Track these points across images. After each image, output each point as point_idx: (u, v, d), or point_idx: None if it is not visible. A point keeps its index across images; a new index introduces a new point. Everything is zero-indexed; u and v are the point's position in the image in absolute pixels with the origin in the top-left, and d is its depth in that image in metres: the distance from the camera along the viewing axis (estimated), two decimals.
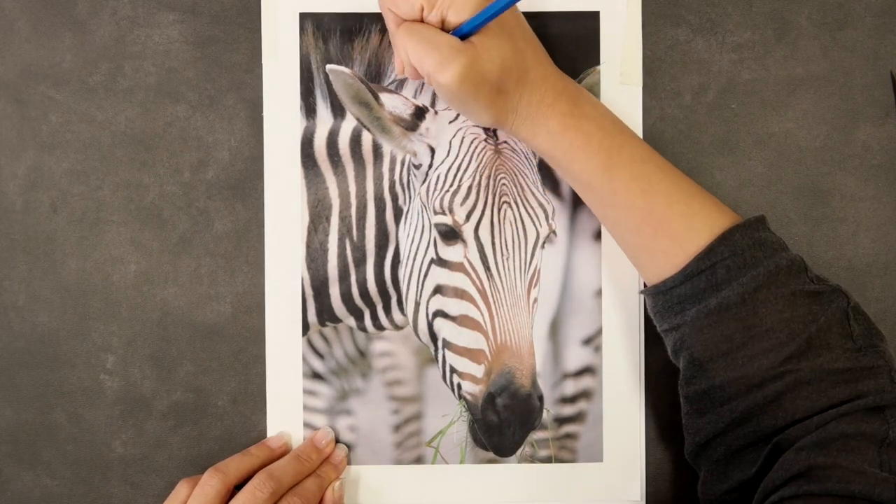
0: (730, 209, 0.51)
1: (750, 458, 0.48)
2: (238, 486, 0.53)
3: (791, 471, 0.45)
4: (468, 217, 0.56)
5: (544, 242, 0.58)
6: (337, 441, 0.58)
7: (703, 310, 0.49)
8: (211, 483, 0.52)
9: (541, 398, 0.57)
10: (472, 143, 0.57)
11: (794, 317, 0.47)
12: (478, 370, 0.57)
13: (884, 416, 0.45)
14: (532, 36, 0.52)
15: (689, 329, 0.50)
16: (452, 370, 0.57)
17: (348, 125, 0.58)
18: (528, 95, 0.50)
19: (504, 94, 0.50)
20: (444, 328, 0.57)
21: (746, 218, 0.50)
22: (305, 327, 0.58)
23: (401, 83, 0.57)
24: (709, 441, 0.50)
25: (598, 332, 0.59)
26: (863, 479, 0.43)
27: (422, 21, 0.49)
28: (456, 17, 0.48)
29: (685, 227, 0.50)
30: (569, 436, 0.58)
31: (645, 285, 0.54)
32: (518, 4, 0.57)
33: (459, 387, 0.57)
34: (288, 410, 0.58)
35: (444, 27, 0.49)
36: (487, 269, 0.57)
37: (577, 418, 0.58)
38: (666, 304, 0.51)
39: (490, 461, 0.58)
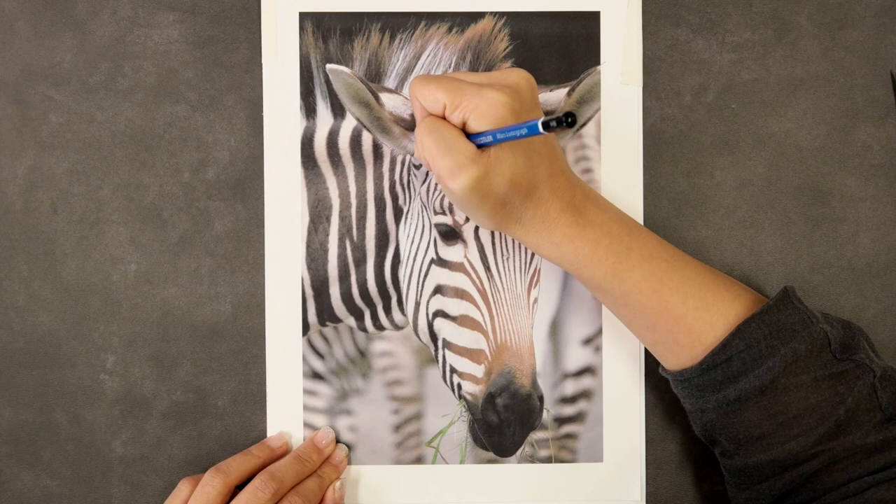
0: (748, 290, 0.52)
1: None
2: (239, 487, 0.53)
3: None
4: (468, 217, 0.56)
5: None
6: (337, 441, 0.58)
7: (723, 399, 0.50)
8: (212, 483, 0.52)
9: (541, 398, 0.57)
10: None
11: (821, 401, 0.48)
12: (478, 370, 0.57)
13: None
14: (552, 146, 0.51)
15: (714, 415, 0.51)
16: (452, 370, 0.57)
17: (348, 125, 0.58)
18: (534, 209, 0.50)
19: (509, 205, 0.49)
20: (444, 328, 0.57)
21: (768, 300, 0.50)
22: (305, 327, 0.58)
23: (401, 83, 0.57)
24: None
25: (598, 332, 0.59)
26: None
27: (444, 118, 0.49)
28: (476, 125, 0.47)
29: (701, 321, 0.50)
30: (569, 436, 0.58)
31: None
32: (518, 5, 0.57)
33: (459, 387, 0.57)
34: (288, 410, 0.58)
35: (464, 129, 0.48)
36: (488, 269, 0.57)
37: (577, 418, 0.58)
38: (686, 389, 0.52)
39: (490, 461, 0.58)
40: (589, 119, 0.58)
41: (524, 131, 0.44)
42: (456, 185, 0.47)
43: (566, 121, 0.42)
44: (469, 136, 0.48)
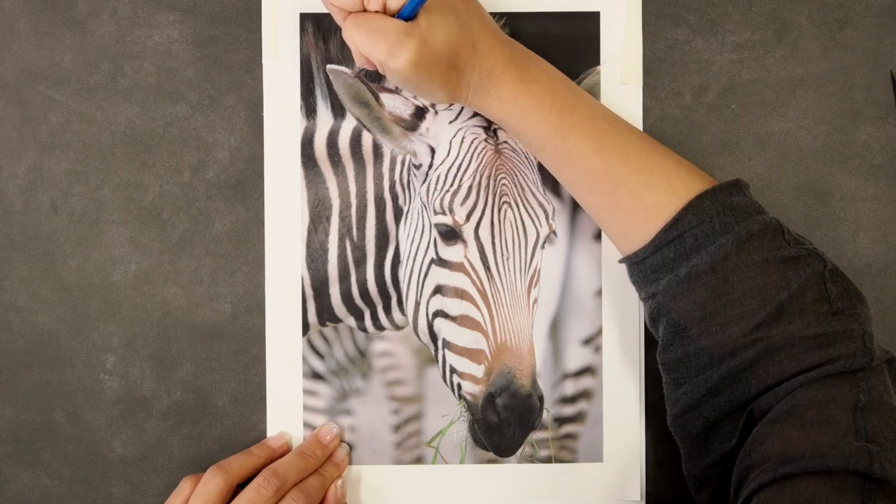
0: (699, 171, 0.51)
1: (728, 430, 0.48)
2: (240, 486, 0.53)
3: (765, 447, 0.44)
4: (468, 217, 0.56)
5: (544, 242, 0.58)
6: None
7: (674, 279, 0.49)
8: (213, 481, 0.52)
9: (541, 398, 0.57)
10: (472, 143, 0.57)
11: (766, 283, 0.47)
12: (478, 370, 0.57)
13: (855, 379, 0.45)
14: (476, 6, 0.51)
15: (662, 297, 0.50)
16: (452, 370, 0.57)
17: (348, 125, 0.58)
18: (479, 67, 0.50)
19: (457, 69, 0.49)
20: (444, 328, 0.57)
21: (727, 181, 0.50)
22: (305, 327, 0.58)
23: None
24: (685, 412, 0.50)
25: (598, 332, 0.59)
26: (837, 451, 0.42)
27: (364, 11, 0.49)
28: (391, 4, 0.47)
29: (643, 184, 0.50)
30: (569, 436, 0.58)
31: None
32: (518, 5, 0.57)
33: (459, 387, 0.57)
34: (288, 410, 0.58)
35: (387, 12, 0.48)
36: (487, 269, 0.57)
37: (577, 418, 0.58)
38: (640, 273, 0.51)
39: (490, 461, 0.58)
40: None
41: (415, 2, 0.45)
42: (399, 63, 0.47)
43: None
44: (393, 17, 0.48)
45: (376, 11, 0.48)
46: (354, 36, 0.48)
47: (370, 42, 0.47)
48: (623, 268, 0.58)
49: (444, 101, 0.52)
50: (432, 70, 0.48)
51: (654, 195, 0.49)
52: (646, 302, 0.52)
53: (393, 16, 0.48)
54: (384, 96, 0.57)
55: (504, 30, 0.57)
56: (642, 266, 0.51)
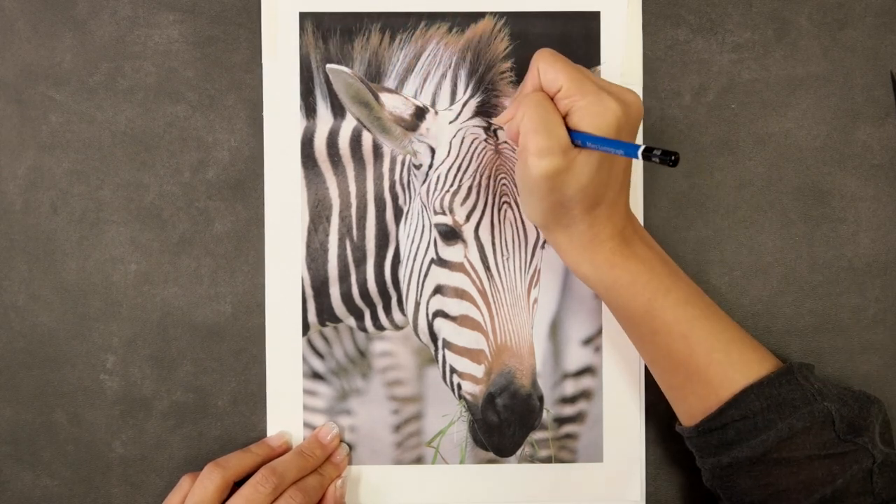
0: (772, 356, 0.51)
1: None
2: (238, 484, 0.53)
3: None
4: (468, 217, 0.56)
5: (544, 243, 0.58)
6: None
7: (717, 464, 0.50)
8: (211, 478, 0.52)
9: (541, 398, 0.57)
10: (472, 143, 0.57)
11: (812, 479, 0.48)
12: (478, 370, 0.57)
13: None
14: (628, 175, 0.51)
15: (710, 475, 0.52)
16: (452, 370, 0.57)
17: (348, 125, 0.58)
18: (587, 225, 0.49)
19: (567, 210, 0.49)
20: (444, 328, 0.57)
21: (777, 369, 0.50)
22: (305, 327, 0.58)
23: (401, 83, 0.57)
24: None
25: (598, 332, 0.59)
26: None
27: (553, 99, 0.49)
28: (580, 121, 0.47)
29: (721, 376, 0.50)
30: (569, 436, 0.58)
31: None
32: (518, 5, 0.57)
33: (459, 387, 0.57)
34: (288, 410, 0.58)
35: (565, 118, 0.48)
36: (488, 269, 0.57)
37: (577, 418, 0.58)
38: (690, 444, 0.53)
39: (490, 461, 0.58)
40: None
41: (620, 151, 0.44)
42: (539, 165, 0.47)
43: (669, 159, 0.41)
44: (568, 129, 0.48)
45: (563, 115, 0.48)
46: (528, 112, 0.48)
47: (535, 128, 0.47)
48: None
49: (536, 223, 0.51)
50: (552, 193, 0.48)
51: (730, 389, 0.49)
52: (701, 467, 0.53)
53: (567, 128, 0.48)
54: (384, 96, 0.57)
55: (504, 30, 0.57)
56: (688, 442, 0.53)
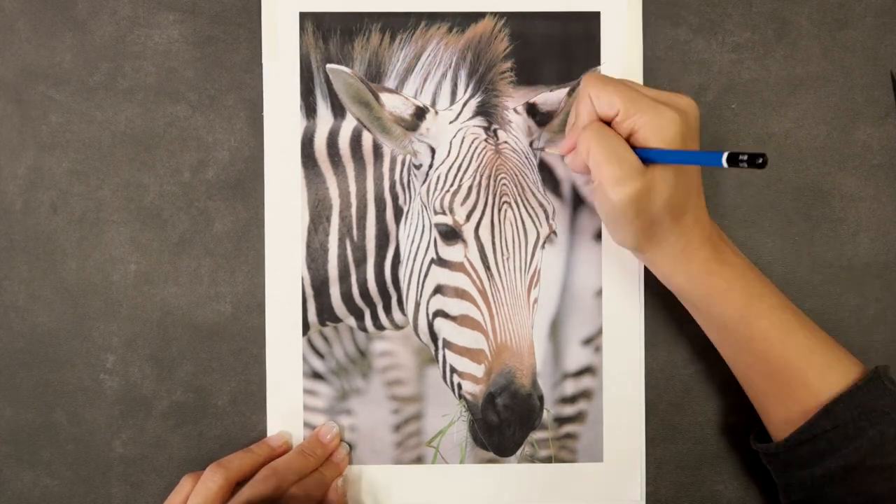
0: (856, 360, 0.51)
1: None
2: (240, 484, 0.53)
3: None
4: (468, 217, 0.56)
5: (544, 242, 0.58)
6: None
7: (809, 476, 0.50)
8: (213, 479, 0.52)
9: (541, 398, 0.57)
10: (472, 143, 0.57)
11: None
12: (478, 370, 0.57)
13: None
14: (698, 177, 0.51)
15: (800, 491, 0.51)
16: (452, 370, 0.57)
17: (348, 125, 0.58)
18: (678, 235, 0.50)
19: (656, 227, 0.49)
20: (444, 328, 0.57)
21: (865, 376, 0.49)
22: (305, 327, 0.58)
23: (401, 83, 0.57)
24: None
25: (598, 332, 0.59)
26: None
27: (610, 124, 0.49)
28: (646, 139, 0.47)
29: (820, 379, 0.50)
30: (569, 436, 0.58)
31: (757, 434, 0.55)
32: (518, 5, 0.57)
33: (459, 387, 0.57)
34: (288, 410, 0.58)
35: (628, 138, 0.48)
36: (488, 269, 0.57)
37: (577, 418, 0.58)
38: (773, 464, 0.53)
39: (490, 461, 0.58)
40: None
41: (703, 162, 0.44)
42: (618, 196, 0.47)
43: (757, 161, 0.41)
44: (633, 148, 0.48)
45: (626, 136, 0.48)
46: (592, 144, 0.48)
47: (604, 160, 0.47)
48: (623, 266, 0.58)
49: (629, 247, 0.51)
50: (639, 215, 0.48)
51: (830, 392, 0.49)
52: (782, 488, 0.53)
53: (634, 148, 0.48)
54: (384, 96, 0.57)
55: (504, 30, 0.57)
56: (775, 459, 0.52)
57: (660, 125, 0.47)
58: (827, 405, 0.49)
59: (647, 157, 0.47)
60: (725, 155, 0.42)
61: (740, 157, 0.42)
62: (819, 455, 0.49)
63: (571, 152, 0.51)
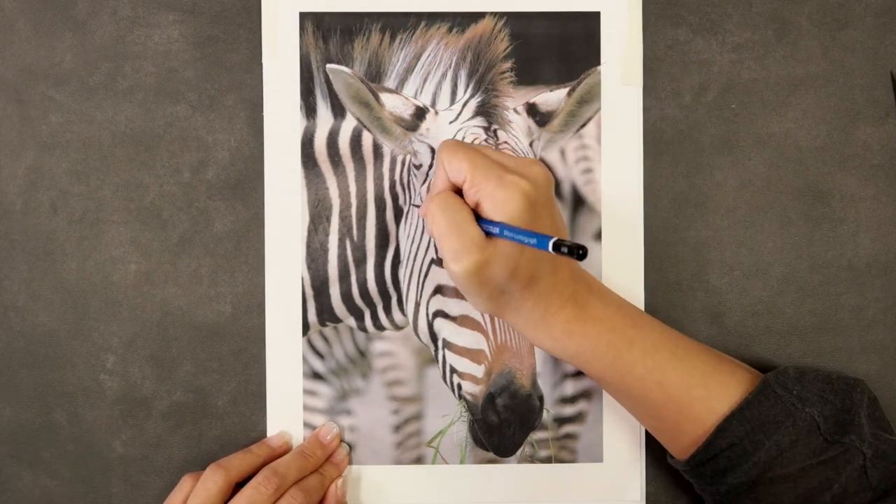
0: (750, 371, 0.51)
1: None
2: (240, 484, 0.53)
3: None
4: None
5: None
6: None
7: (716, 492, 0.50)
8: (213, 479, 0.52)
9: (541, 398, 0.57)
10: (472, 143, 0.57)
11: (810, 489, 0.47)
12: (478, 370, 0.57)
13: None
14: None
15: (710, 501, 0.52)
16: (452, 370, 0.57)
17: (348, 125, 0.58)
18: (533, 302, 0.49)
19: (508, 294, 0.48)
20: (444, 328, 0.57)
21: (754, 390, 0.49)
22: (305, 327, 0.58)
23: (401, 83, 0.57)
24: None
25: None
26: None
27: (461, 191, 0.48)
28: (490, 211, 0.47)
29: (706, 410, 0.49)
30: (569, 436, 0.58)
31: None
32: (518, 5, 0.57)
33: (459, 387, 0.57)
34: (288, 410, 0.58)
35: (475, 208, 0.48)
36: None
37: (577, 418, 0.58)
38: (688, 477, 0.53)
39: (490, 461, 0.58)
40: (589, 119, 0.58)
41: (533, 241, 0.44)
42: (457, 268, 0.47)
43: (577, 252, 0.41)
44: (479, 218, 0.47)
45: (471, 207, 0.48)
46: (436, 216, 0.47)
47: (445, 232, 0.47)
48: (623, 266, 0.58)
49: (487, 312, 0.51)
50: (483, 287, 0.47)
51: (715, 418, 0.49)
52: (701, 494, 0.53)
53: (479, 218, 0.47)
54: (384, 96, 0.57)
55: (504, 30, 0.57)
56: (684, 475, 0.52)
57: (504, 197, 0.46)
58: (719, 424, 0.48)
59: (491, 229, 0.47)
60: (553, 241, 0.42)
61: (562, 247, 0.42)
62: (721, 472, 0.49)
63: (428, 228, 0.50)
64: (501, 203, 0.46)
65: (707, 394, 0.50)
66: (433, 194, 0.49)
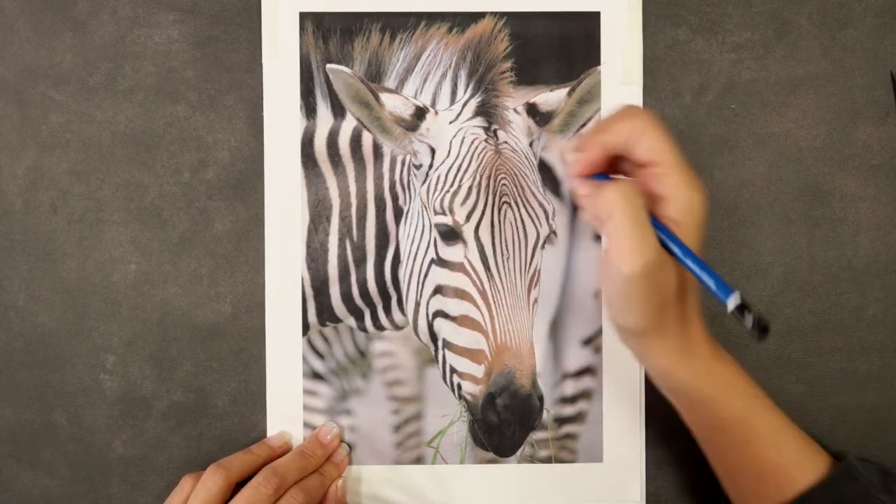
0: (825, 452, 0.50)
1: None
2: (240, 484, 0.53)
3: None
4: (468, 217, 0.56)
5: (544, 243, 0.58)
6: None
7: None
8: (213, 479, 0.52)
9: (541, 398, 0.57)
10: (472, 143, 0.57)
11: None
12: (478, 370, 0.57)
13: None
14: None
15: None
16: (452, 370, 0.57)
17: (348, 125, 0.58)
18: (681, 326, 0.46)
19: (664, 315, 0.45)
20: (444, 328, 0.57)
21: (839, 468, 0.48)
22: (305, 327, 0.58)
23: (401, 83, 0.57)
24: None
25: (598, 332, 0.59)
26: None
27: (624, 169, 0.46)
28: (674, 211, 0.44)
29: (802, 473, 0.48)
30: (569, 436, 0.58)
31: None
32: (518, 5, 0.57)
33: (459, 387, 0.57)
34: (288, 410, 0.58)
35: (651, 204, 0.45)
36: (488, 269, 0.57)
37: (577, 418, 0.58)
38: None
39: (490, 461, 0.58)
40: (589, 119, 0.58)
41: (712, 286, 0.41)
42: (627, 268, 0.43)
43: (759, 327, 0.39)
44: (652, 218, 0.44)
45: (650, 213, 0.44)
46: (617, 207, 0.43)
47: (622, 227, 0.43)
48: None
49: (628, 330, 0.47)
50: (650, 298, 0.44)
51: (805, 481, 0.48)
52: None
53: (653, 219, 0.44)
54: (384, 96, 0.57)
55: (504, 30, 0.58)
56: None
57: (690, 204, 0.43)
58: (804, 494, 0.47)
59: (665, 242, 0.44)
60: (737, 304, 0.40)
61: (746, 313, 0.39)
62: None
63: (590, 213, 0.47)
64: (689, 210, 0.43)
65: (805, 457, 0.48)
66: (617, 182, 0.45)
